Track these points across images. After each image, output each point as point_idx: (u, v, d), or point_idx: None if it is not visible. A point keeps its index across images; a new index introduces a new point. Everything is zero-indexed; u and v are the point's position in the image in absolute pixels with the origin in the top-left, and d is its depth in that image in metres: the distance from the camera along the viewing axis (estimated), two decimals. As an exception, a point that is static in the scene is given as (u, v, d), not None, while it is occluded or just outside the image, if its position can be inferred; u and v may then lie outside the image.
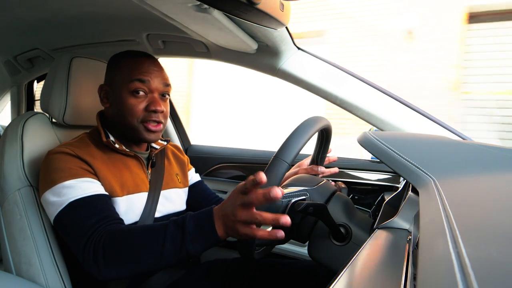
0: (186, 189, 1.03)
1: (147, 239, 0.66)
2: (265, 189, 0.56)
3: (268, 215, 0.59)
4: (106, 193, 0.78)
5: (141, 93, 0.83)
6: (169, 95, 0.89)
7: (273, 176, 0.62)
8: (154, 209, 0.86)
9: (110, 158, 0.84)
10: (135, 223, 0.82)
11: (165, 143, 0.98)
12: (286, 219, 0.57)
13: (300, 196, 0.72)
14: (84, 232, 0.69)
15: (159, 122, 0.85)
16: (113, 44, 1.25)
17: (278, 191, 0.55)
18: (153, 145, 0.97)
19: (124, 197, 0.81)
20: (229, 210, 0.61)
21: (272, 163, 0.63)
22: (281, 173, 0.62)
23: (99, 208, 0.73)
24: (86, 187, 0.75)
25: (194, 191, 1.06)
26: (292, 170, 0.94)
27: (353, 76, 1.10)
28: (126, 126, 0.84)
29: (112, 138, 0.85)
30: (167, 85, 0.87)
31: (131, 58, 0.86)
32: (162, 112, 0.85)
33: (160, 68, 0.87)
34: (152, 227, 0.68)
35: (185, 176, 1.03)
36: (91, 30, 1.20)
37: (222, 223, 0.63)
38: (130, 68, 0.84)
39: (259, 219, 0.58)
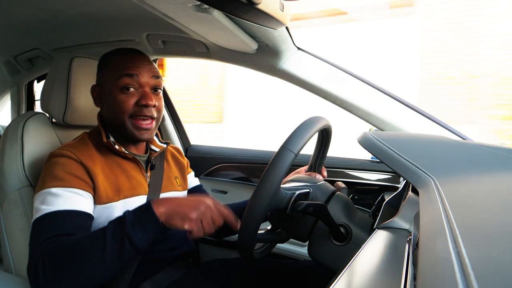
0: (185, 192, 1.02)
1: (87, 242, 0.64)
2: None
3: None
4: (86, 210, 0.74)
5: (132, 89, 0.82)
6: (161, 89, 0.88)
7: (279, 165, 0.62)
8: None
9: (108, 161, 0.83)
10: None
11: (165, 145, 0.98)
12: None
13: (304, 189, 0.72)
14: (35, 246, 0.67)
15: (151, 118, 0.84)
16: (113, 44, 1.25)
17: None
18: (153, 147, 0.97)
19: (121, 201, 0.80)
20: (186, 204, 0.66)
21: (279, 153, 0.63)
22: (287, 163, 0.62)
23: (65, 225, 0.70)
24: (69, 199, 0.73)
25: (193, 194, 1.05)
26: (291, 176, 0.94)
27: (353, 76, 1.10)
28: (118, 123, 0.83)
29: (112, 139, 0.85)
30: (157, 77, 0.86)
31: (118, 55, 0.86)
32: (155, 106, 0.83)
33: (149, 62, 0.86)
34: (93, 231, 0.66)
35: (184, 179, 1.03)
36: (91, 30, 1.20)
37: (166, 210, 0.65)
38: (118, 65, 0.83)
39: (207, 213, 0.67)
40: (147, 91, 0.83)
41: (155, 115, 0.85)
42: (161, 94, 0.88)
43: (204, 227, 0.66)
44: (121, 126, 0.83)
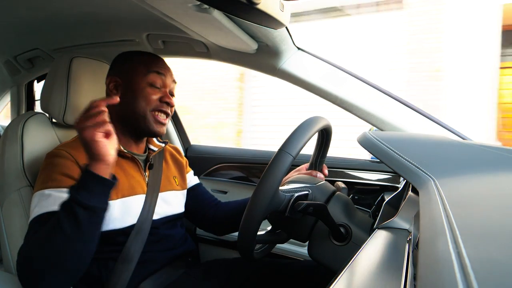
0: (185, 191, 1.02)
1: (48, 226, 0.66)
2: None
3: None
4: None
5: (158, 86, 0.88)
6: (174, 94, 0.94)
7: (277, 168, 0.62)
8: (152, 211, 0.86)
9: None
10: (133, 226, 0.81)
11: (163, 145, 0.98)
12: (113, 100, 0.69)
13: (303, 191, 0.72)
14: (22, 245, 0.69)
15: (167, 115, 0.89)
16: (113, 44, 1.25)
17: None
18: (151, 147, 0.97)
19: (118, 200, 0.81)
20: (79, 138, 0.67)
21: (277, 156, 0.63)
22: (285, 166, 0.62)
23: None
24: (60, 199, 0.72)
25: (193, 194, 1.06)
26: (292, 174, 0.94)
27: (353, 76, 1.10)
28: (136, 114, 0.86)
29: None
30: (175, 82, 0.93)
31: (145, 54, 0.92)
32: (173, 106, 0.90)
33: (169, 67, 0.93)
34: None
35: (183, 178, 1.03)
36: (91, 30, 1.20)
37: (93, 160, 0.66)
38: (148, 62, 0.89)
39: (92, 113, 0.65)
40: (167, 92, 0.90)
41: (170, 113, 0.91)
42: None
43: (96, 126, 0.65)
44: (140, 117, 0.86)
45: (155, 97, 0.87)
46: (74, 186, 0.66)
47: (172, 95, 0.92)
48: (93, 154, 0.66)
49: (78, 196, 0.64)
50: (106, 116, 0.66)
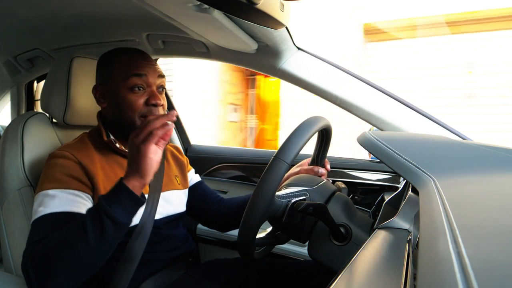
0: (186, 190, 1.02)
1: (70, 231, 0.66)
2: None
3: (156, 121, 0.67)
4: (83, 212, 0.74)
5: (140, 89, 0.83)
6: (165, 88, 0.90)
7: (272, 176, 0.62)
8: (154, 211, 0.85)
9: (108, 161, 0.84)
10: (135, 226, 0.81)
11: None
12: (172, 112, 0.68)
13: (300, 196, 0.72)
14: (26, 247, 0.69)
15: None
16: (113, 44, 1.25)
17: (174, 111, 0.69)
18: None
19: None
20: (131, 152, 0.68)
21: (272, 164, 0.63)
22: (280, 174, 0.63)
23: (59, 227, 0.70)
24: (66, 200, 0.74)
25: (195, 192, 1.06)
26: (294, 169, 0.94)
27: (353, 76, 1.10)
28: (126, 122, 0.83)
29: (112, 137, 0.85)
30: (162, 76, 0.88)
31: (123, 54, 0.86)
32: (162, 105, 0.86)
33: (153, 62, 0.88)
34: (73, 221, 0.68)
35: (184, 177, 1.03)
36: (91, 30, 1.20)
37: (133, 175, 0.67)
38: (126, 64, 0.84)
39: (150, 128, 0.66)
40: (154, 91, 0.85)
41: (162, 113, 0.86)
42: (165, 93, 0.90)
43: (160, 144, 0.68)
44: (129, 125, 0.83)
45: (141, 101, 0.82)
46: (105, 196, 0.66)
47: (162, 91, 0.88)
48: (139, 168, 0.66)
49: (110, 209, 0.64)
50: (171, 131, 0.67)
